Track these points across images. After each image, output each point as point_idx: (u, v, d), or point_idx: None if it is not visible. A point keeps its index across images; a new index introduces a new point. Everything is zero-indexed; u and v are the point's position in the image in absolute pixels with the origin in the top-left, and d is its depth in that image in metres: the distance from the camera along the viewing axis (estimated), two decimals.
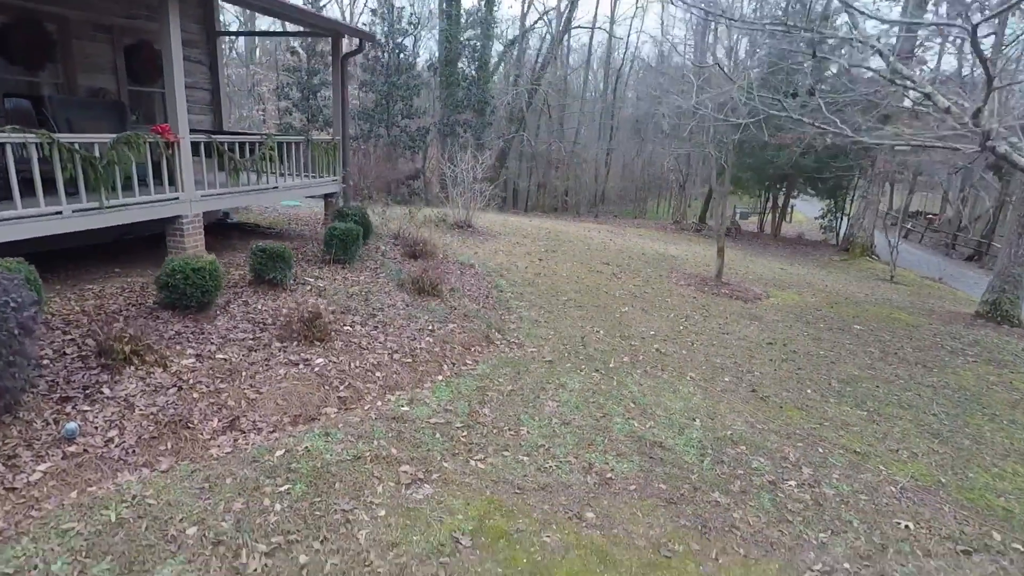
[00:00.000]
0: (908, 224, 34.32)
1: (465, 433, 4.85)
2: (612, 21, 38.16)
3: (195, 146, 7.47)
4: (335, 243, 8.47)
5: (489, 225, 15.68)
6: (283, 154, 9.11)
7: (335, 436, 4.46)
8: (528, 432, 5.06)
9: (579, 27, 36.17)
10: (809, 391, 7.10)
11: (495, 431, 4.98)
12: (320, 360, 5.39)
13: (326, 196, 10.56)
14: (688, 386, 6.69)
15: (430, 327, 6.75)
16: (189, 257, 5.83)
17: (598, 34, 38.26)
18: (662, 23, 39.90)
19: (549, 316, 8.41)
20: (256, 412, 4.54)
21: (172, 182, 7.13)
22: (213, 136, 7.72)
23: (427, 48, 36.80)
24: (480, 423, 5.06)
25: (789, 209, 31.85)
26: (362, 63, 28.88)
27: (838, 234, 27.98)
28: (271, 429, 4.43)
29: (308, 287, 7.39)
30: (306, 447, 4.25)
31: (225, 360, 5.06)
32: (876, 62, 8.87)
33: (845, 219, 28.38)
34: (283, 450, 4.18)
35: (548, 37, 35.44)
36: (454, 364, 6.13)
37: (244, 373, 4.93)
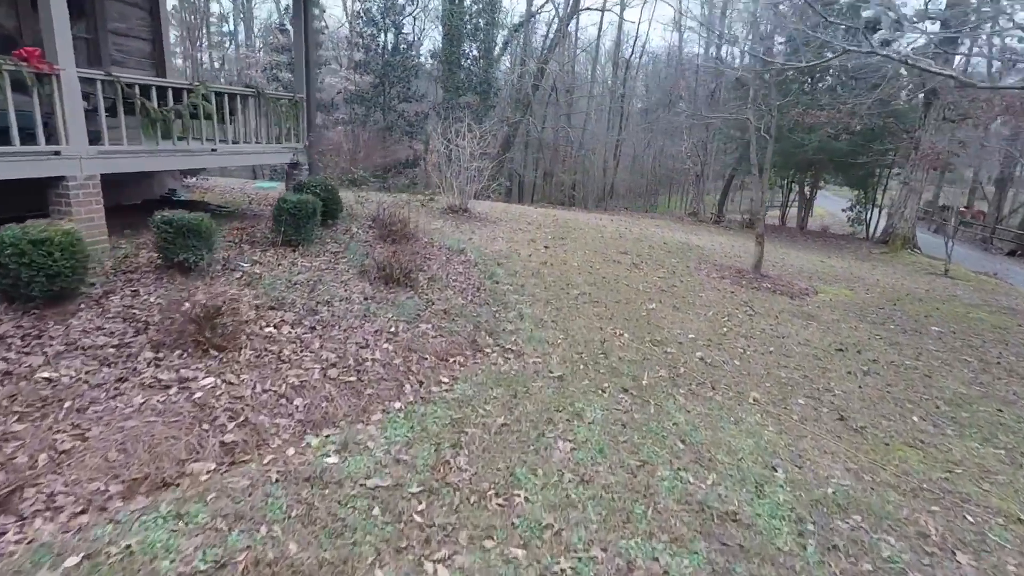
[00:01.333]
0: (938, 218, 32.22)
1: (423, 506, 2.98)
2: (622, 5, 36.03)
3: (90, 89, 5.66)
4: (284, 219, 6.65)
5: (489, 211, 13.80)
6: (225, 109, 7.27)
7: (194, 519, 2.60)
8: (527, 500, 3.18)
9: (588, 9, 34.07)
10: (915, 418, 5.19)
11: (473, 500, 3.11)
12: (208, 380, 3.52)
13: (289, 167, 8.73)
14: (753, 413, 4.79)
15: (392, 328, 4.87)
16: (30, 226, 3.98)
17: (607, 22, 36.20)
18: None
19: (557, 314, 6.53)
20: (63, 475, 2.69)
21: (52, 133, 5.32)
22: (115, 75, 5.87)
23: (431, 39, 34.99)
24: (450, 485, 3.18)
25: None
26: (357, 42, 27.04)
27: (868, 226, 25.91)
28: (80, 508, 2.57)
29: (239, 273, 5.56)
30: (129, 546, 2.39)
31: (48, 381, 3.21)
32: None
33: (876, 211, 26.33)
34: (84, 552, 2.33)
35: (556, 22, 33.43)
36: (422, 383, 4.25)
37: (70, 404, 3.08)
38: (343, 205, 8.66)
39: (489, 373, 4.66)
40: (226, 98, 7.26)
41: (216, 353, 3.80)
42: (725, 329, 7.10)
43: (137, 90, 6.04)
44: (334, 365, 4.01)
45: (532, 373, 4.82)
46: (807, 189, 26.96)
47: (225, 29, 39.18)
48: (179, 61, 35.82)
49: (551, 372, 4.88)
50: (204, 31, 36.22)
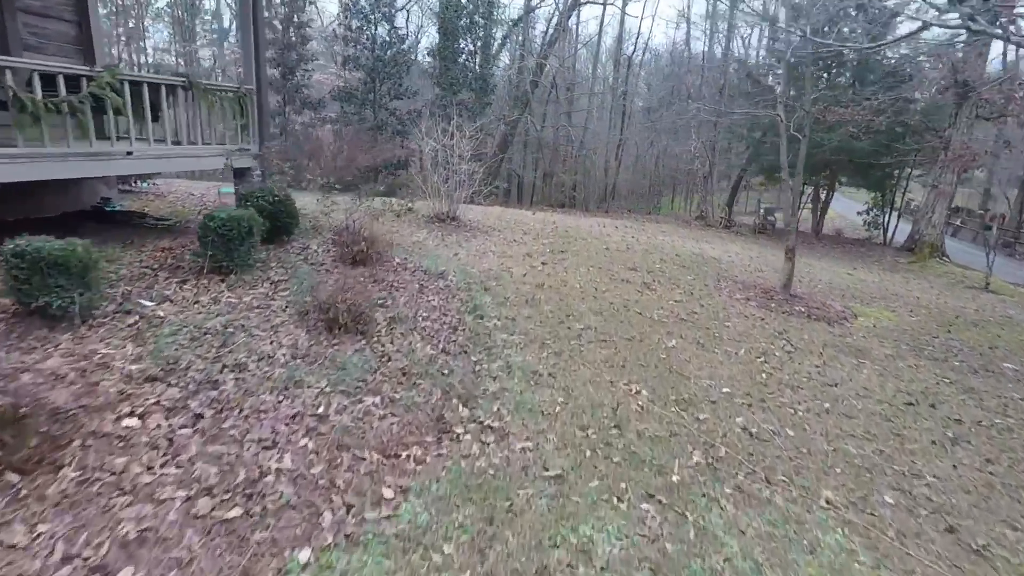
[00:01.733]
0: (958, 220, 30.82)
1: None
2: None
3: None
4: (211, 241, 5.28)
5: (481, 218, 12.41)
6: (145, 103, 5.88)
7: None
8: None
9: (589, 2, 32.56)
10: None
11: None
12: None
13: (234, 173, 7.35)
14: (831, 527, 3.39)
15: (321, 408, 3.47)
16: None
17: (609, 16, 34.71)
18: None
19: (556, 361, 5.14)
20: None
21: None
22: None
23: (429, 35, 33.67)
24: None
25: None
26: (345, 35, 25.60)
27: (885, 231, 24.48)
28: None
29: (135, 318, 4.17)
30: None
31: None
32: None
33: (894, 214, 24.89)
34: None
35: (556, 17, 32.01)
36: (350, 507, 2.85)
37: None
38: (300, 218, 7.28)
39: (457, 475, 3.26)
40: (145, 89, 5.88)
41: (16, 479, 2.41)
42: (764, 375, 5.71)
43: (9, 76, 4.65)
44: (210, 490, 2.62)
45: (519, 470, 3.42)
46: (823, 192, 25.52)
47: (216, 26, 37.85)
48: (173, 58, 34.47)
49: (546, 469, 3.47)
50: (193, 28, 34.84)
